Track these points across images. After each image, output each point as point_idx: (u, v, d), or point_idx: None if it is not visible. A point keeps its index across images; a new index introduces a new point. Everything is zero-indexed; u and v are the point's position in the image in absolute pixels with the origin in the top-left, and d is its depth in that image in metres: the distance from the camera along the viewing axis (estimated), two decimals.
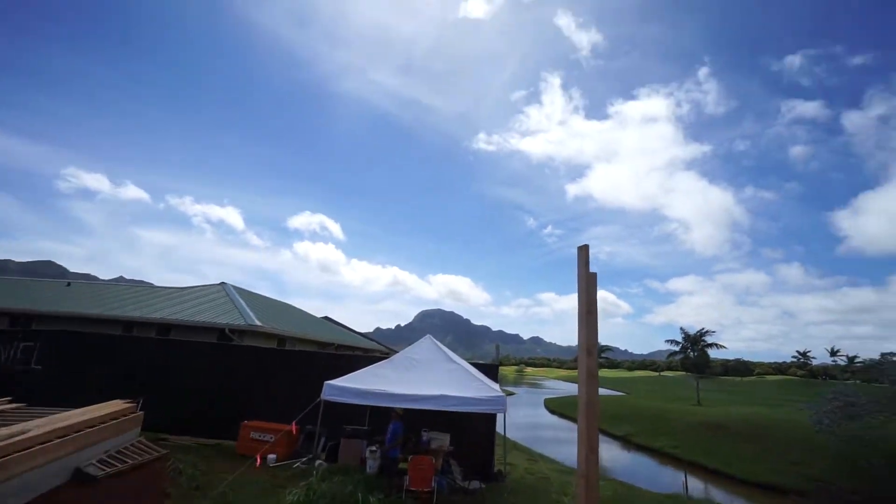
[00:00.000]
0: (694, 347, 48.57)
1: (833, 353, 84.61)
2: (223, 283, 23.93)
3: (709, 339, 48.06)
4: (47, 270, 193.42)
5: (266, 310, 21.42)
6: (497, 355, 16.62)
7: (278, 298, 33.71)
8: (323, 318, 34.68)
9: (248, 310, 18.23)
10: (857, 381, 44.43)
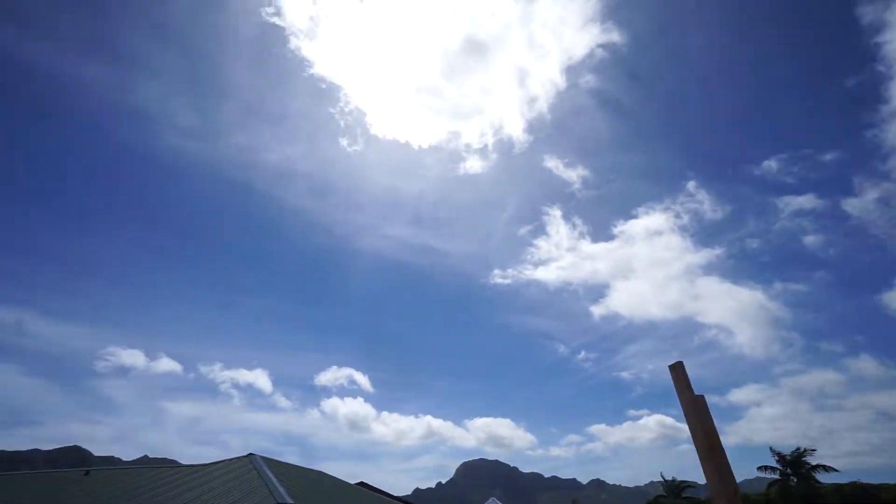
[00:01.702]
0: (796, 473, 40.46)
1: None
2: (251, 454, 21.85)
3: (811, 461, 40.20)
4: (72, 457, 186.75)
5: (298, 483, 18.96)
6: None
7: (308, 466, 30.58)
8: (357, 484, 30.87)
9: (278, 486, 16.07)
10: None
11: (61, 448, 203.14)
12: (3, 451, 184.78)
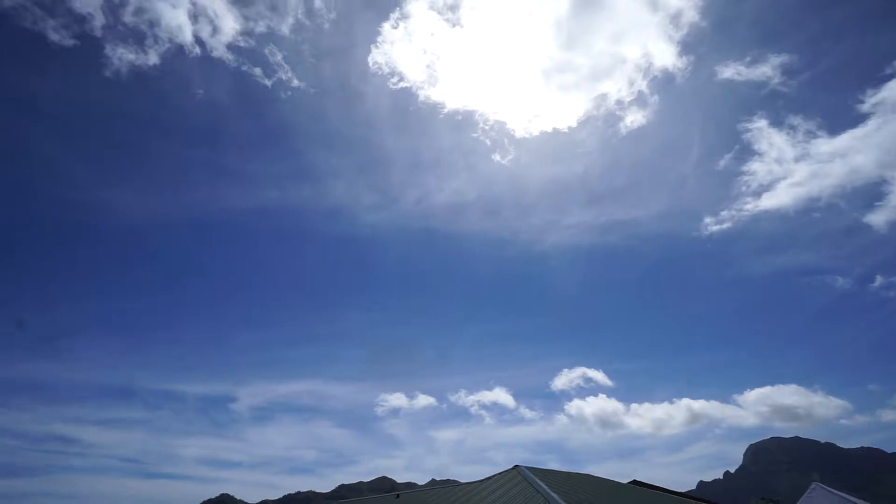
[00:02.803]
0: None
1: None
2: (516, 466, 22.93)
3: None
4: (385, 485, 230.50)
5: (570, 489, 18.89)
6: None
7: (572, 470, 30.36)
8: (630, 482, 29.02)
9: (550, 492, 16.27)
10: None
11: (374, 479, 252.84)
12: (343, 483, 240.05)
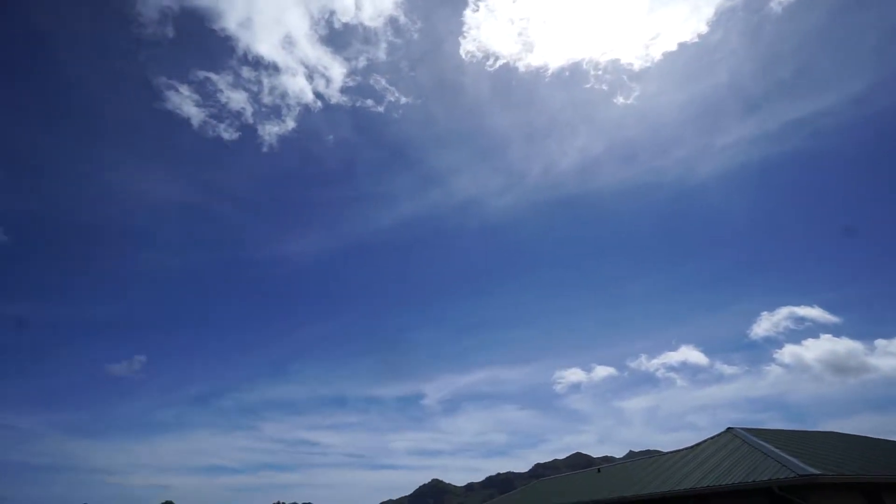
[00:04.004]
0: None
1: None
2: (729, 428, 20.08)
3: None
4: (580, 460, 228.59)
5: (810, 449, 15.69)
6: None
7: (803, 429, 25.32)
8: None
9: (787, 457, 13.67)
10: None
11: (569, 455, 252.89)
12: (538, 462, 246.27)
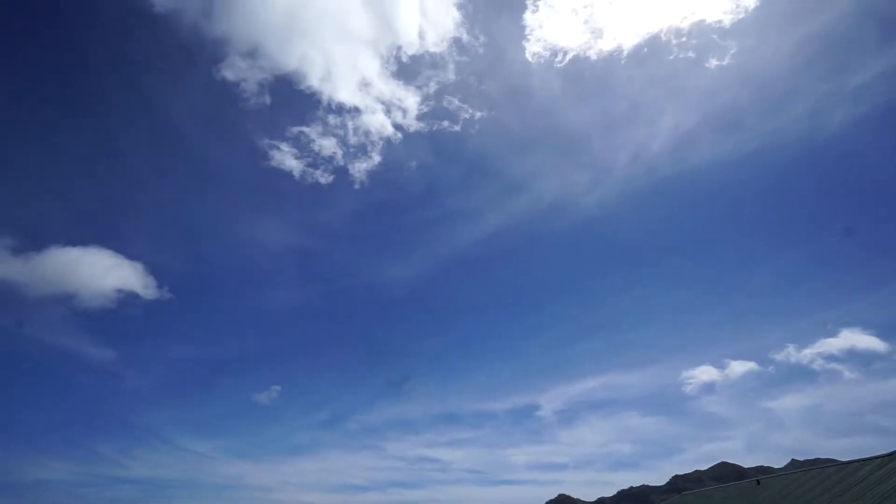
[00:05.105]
0: None
1: None
2: None
3: None
4: (728, 471, 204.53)
5: None
6: None
7: None
8: None
9: None
10: None
11: (713, 465, 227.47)
12: (676, 474, 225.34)
